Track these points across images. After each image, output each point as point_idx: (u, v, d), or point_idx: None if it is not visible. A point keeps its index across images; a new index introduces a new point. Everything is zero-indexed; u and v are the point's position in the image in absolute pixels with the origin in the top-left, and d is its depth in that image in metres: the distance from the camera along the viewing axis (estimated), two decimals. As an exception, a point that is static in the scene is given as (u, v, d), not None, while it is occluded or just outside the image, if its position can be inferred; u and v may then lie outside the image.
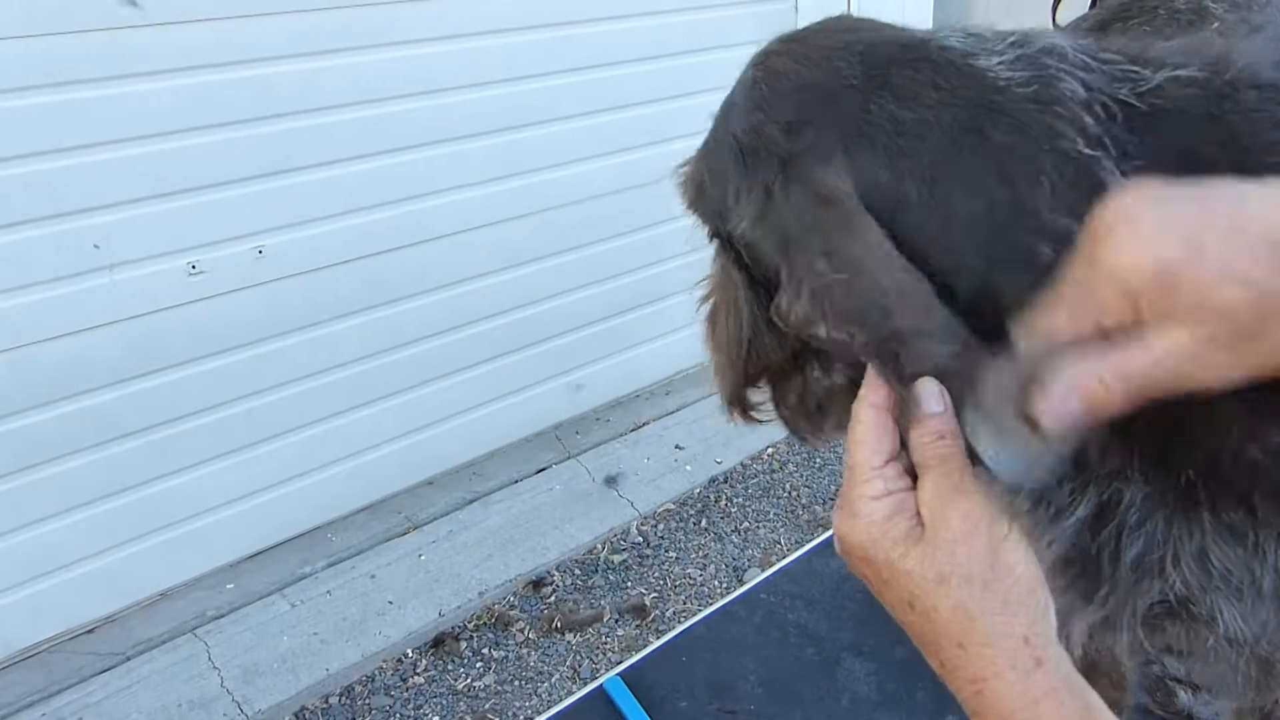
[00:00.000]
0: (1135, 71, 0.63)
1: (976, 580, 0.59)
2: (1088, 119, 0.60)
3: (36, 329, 2.08)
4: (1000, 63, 0.64)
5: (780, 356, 0.79)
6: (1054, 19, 1.27)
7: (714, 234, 0.78)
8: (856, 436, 0.63)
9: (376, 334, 2.61)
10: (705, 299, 0.88)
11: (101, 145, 2.06)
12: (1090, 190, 0.59)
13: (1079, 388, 0.51)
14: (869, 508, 0.61)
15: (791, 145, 0.66)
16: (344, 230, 2.46)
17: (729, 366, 0.83)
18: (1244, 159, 0.59)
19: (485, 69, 2.58)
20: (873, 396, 0.63)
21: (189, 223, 2.21)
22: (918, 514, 0.61)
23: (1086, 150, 0.60)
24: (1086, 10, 1.26)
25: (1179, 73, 0.62)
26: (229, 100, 2.19)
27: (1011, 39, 0.65)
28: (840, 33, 0.70)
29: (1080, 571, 0.74)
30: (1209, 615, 0.71)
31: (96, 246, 2.11)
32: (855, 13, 3.15)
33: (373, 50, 2.37)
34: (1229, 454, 0.63)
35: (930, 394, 0.59)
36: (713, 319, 0.85)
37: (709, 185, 0.75)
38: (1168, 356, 0.49)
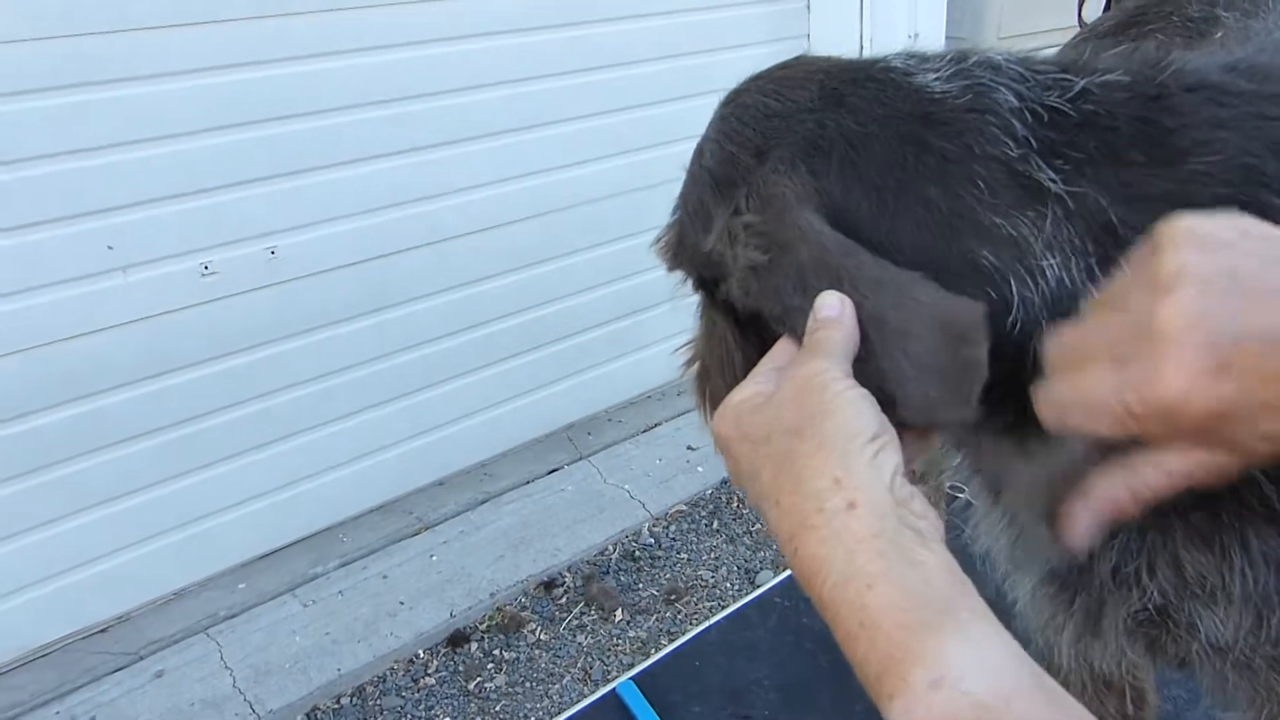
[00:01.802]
0: (1065, 79, 0.65)
1: (795, 431, 0.56)
2: (1017, 124, 0.63)
3: (50, 329, 2.09)
4: (936, 78, 0.67)
5: None
6: (1080, 18, 1.27)
7: (699, 283, 0.80)
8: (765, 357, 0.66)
9: (388, 334, 2.61)
10: (690, 363, 0.87)
11: (114, 147, 2.06)
12: (1021, 191, 0.61)
13: (1100, 508, 0.54)
14: (735, 397, 0.62)
15: (759, 168, 0.69)
16: (355, 231, 2.46)
17: None
18: (1174, 158, 0.60)
19: (495, 70, 2.57)
20: (781, 345, 0.65)
21: (201, 224, 2.22)
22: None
23: (1016, 152, 0.62)
24: (1102, 13, 1.26)
25: (1107, 78, 0.65)
26: (241, 102, 2.19)
27: (950, 57, 0.69)
28: (802, 65, 0.74)
29: (1061, 584, 0.75)
30: (1189, 622, 0.72)
31: (110, 248, 2.11)
32: (868, 15, 3.14)
33: (383, 51, 2.37)
34: None
35: (828, 301, 0.61)
36: (702, 381, 0.85)
37: (689, 230, 0.76)
38: (1180, 476, 0.52)
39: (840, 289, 0.61)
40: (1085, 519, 0.55)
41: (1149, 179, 0.61)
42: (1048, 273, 0.60)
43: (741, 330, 0.76)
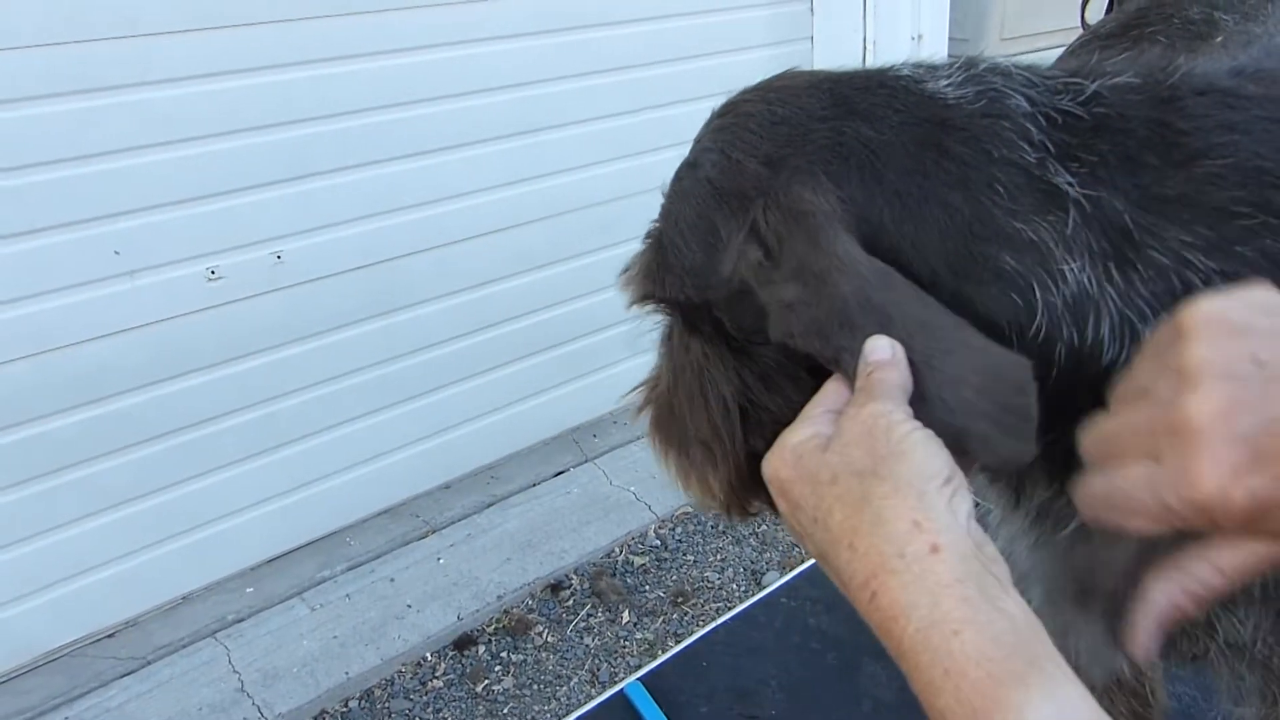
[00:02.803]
0: (1075, 83, 0.65)
1: (868, 473, 0.54)
2: (1032, 128, 0.63)
3: (59, 334, 2.10)
4: (948, 84, 0.67)
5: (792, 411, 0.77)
6: (1083, 20, 1.27)
7: (681, 309, 0.76)
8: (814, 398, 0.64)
9: (394, 338, 2.62)
10: (649, 400, 0.83)
11: (121, 152, 2.07)
12: (1040, 196, 0.60)
13: (1162, 614, 0.53)
14: (791, 439, 0.61)
15: (774, 177, 0.66)
16: (362, 235, 2.47)
17: (720, 459, 0.77)
18: (1187, 160, 0.60)
19: (502, 73, 2.58)
20: (832, 387, 0.64)
21: (208, 228, 2.23)
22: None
23: (1033, 157, 0.62)
24: (1104, 15, 1.26)
25: (1118, 81, 0.65)
26: (247, 106, 2.20)
27: (959, 64, 0.69)
28: (800, 76, 0.73)
29: (1079, 586, 0.74)
30: (1207, 623, 0.71)
31: (117, 253, 2.12)
32: (871, 16, 3.14)
33: (389, 56, 2.38)
34: None
35: (878, 345, 0.59)
36: (664, 424, 0.81)
37: (680, 251, 0.72)
38: (1233, 572, 0.51)
39: (889, 330, 0.59)
40: (1148, 628, 0.54)
41: (1163, 181, 0.61)
42: (1068, 276, 0.60)
43: (736, 358, 0.73)
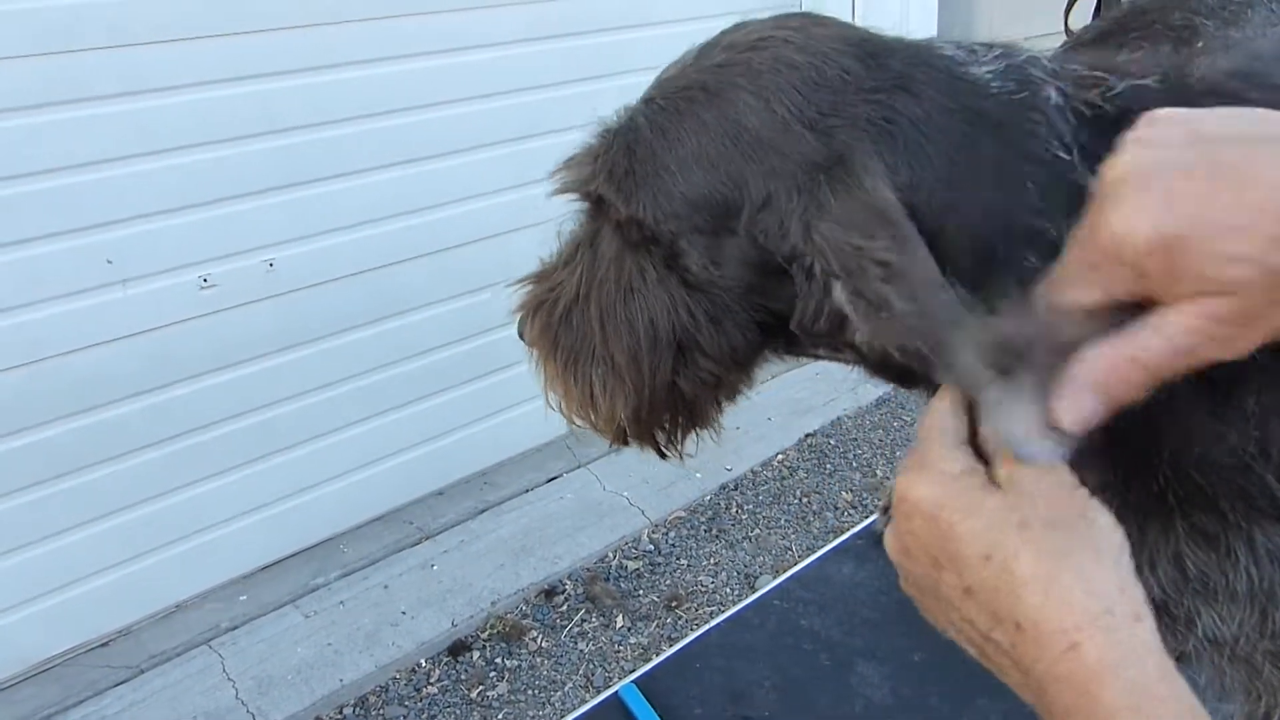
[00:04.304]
0: (1102, 78, 0.64)
1: (1062, 526, 0.52)
2: (1062, 125, 0.62)
3: (52, 343, 2.10)
4: (989, 72, 0.65)
5: (733, 356, 0.72)
6: (1066, 25, 1.28)
7: (630, 220, 0.70)
8: (933, 422, 0.60)
9: (388, 345, 2.62)
10: (539, 303, 0.77)
11: (113, 161, 2.07)
12: (1065, 195, 0.60)
13: (1095, 385, 0.51)
14: (944, 464, 0.56)
15: (829, 153, 0.63)
16: (354, 242, 2.47)
17: (633, 387, 0.74)
18: None
19: (493, 80, 2.59)
20: (949, 409, 0.60)
21: (200, 236, 2.23)
22: (991, 482, 0.56)
23: (1064, 155, 0.61)
24: (1090, 20, 1.27)
25: (1140, 82, 0.64)
26: (239, 114, 2.20)
27: (997, 52, 0.67)
28: (832, 28, 0.70)
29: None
30: (1187, 618, 0.72)
31: (109, 261, 2.12)
32: (860, 18, 3.16)
33: (381, 63, 2.39)
34: (1193, 458, 0.64)
35: None
36: (565, 326, 0.76)
37: (673, 175, 0.67)
38: (1179, 338, 0.49)
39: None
40: (1083, 391, 0.51)
41: None
42: None
43: (688, 291, 0.69)
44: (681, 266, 0.69)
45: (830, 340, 0.68)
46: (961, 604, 0.55)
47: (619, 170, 0.70)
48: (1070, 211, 0.57)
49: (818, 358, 0.77)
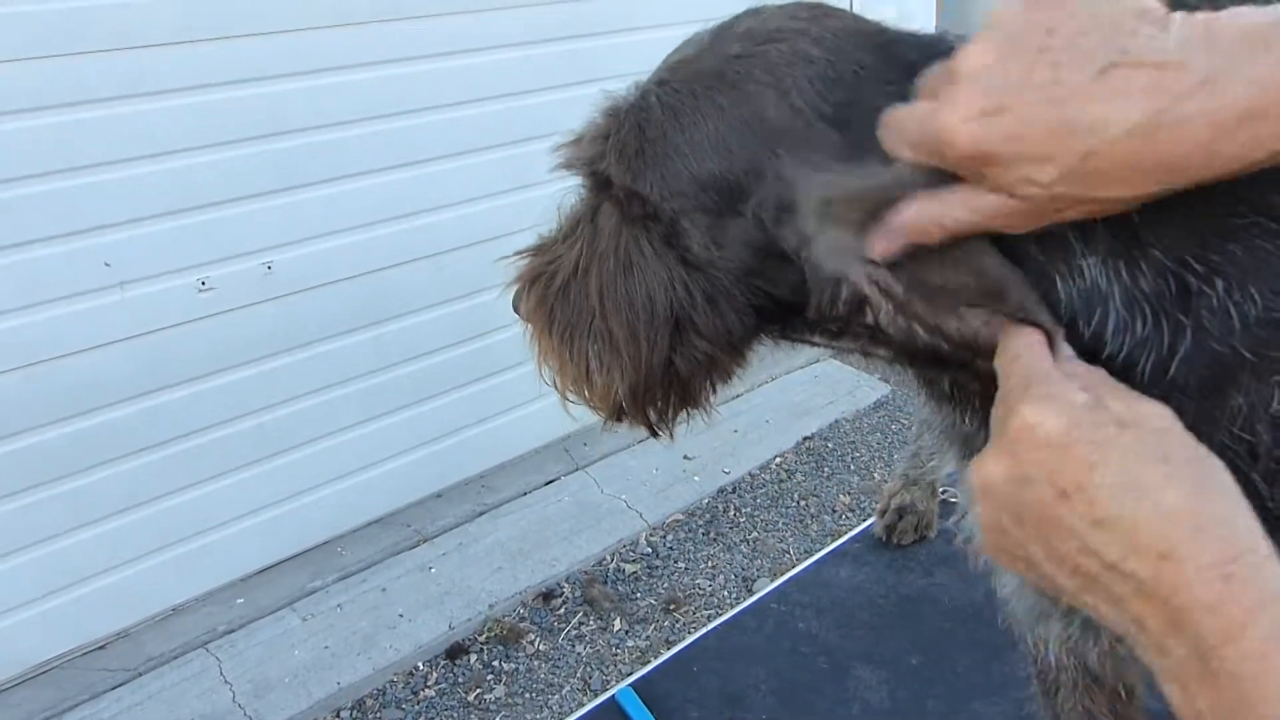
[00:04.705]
0: None
1: (1199, 463, 0.54)
2: None
3: (49, 346, 2.10)
4: None
5: (727, 338, 0.72)
6: None
7: (634, 196, 0.70)
8: (1030, 361, 0.59)
9: (385, 348, 2.63)
10: (538, 275, 0.77)
11: (112, 164, 2.07)
12: None
13: (908, 228, 0.58)
14: (1070, 395, 0.56)
15: (845, 139, 0.64)
16: (352, 245, 2.48)
17: (630, 363, 0.73)
18: None
19: (491, 83, 2.59)
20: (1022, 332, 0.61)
21: (198, 239, 2.23)
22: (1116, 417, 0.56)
23: None
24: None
25: None
26: (238, 117, 2.21)
27: None
28: (848, 20, 0.70)
29: None
30: None
31: (107, 264, 2.12)
32: (859, 9, 3.16)
33: (380, 66, 2.39)
34: None
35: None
36: (563, 300, 0.75)
37: (686, 158, 0.68)
38: (977, 215, 0.56)
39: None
40: (893, 232, 0.58)
41: None
42: (1085, 273, 0.60)
43: (687, 269, 0.70)
44: (682, 245, 0.70)
45: (847, 324, 0.68)
46: (1088, 534, 0.55)
47: (630, 149, 0.71)
48: None
49: (812, 344, 0.77)
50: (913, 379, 0.76)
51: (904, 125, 0.58)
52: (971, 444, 0.78)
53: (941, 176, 0.57)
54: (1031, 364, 0.59)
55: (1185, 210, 0.58)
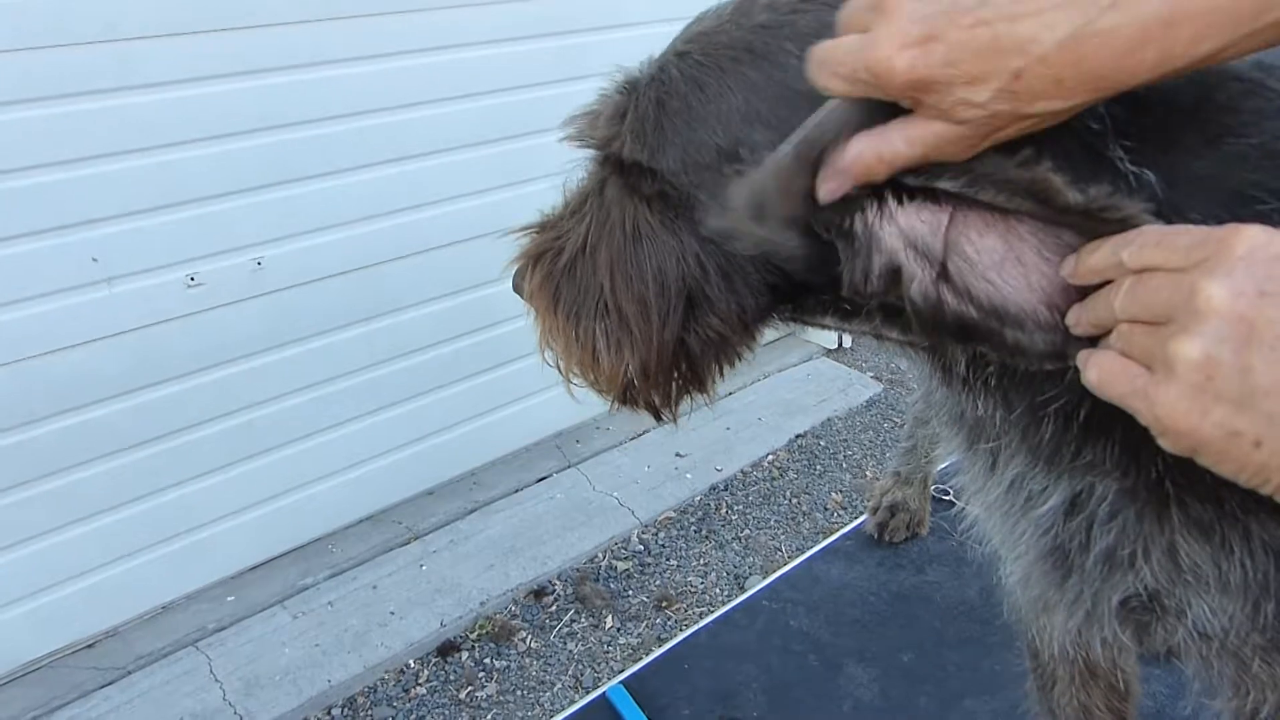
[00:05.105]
0: None
1: None
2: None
3: (36, 342, 2.09)
4: None
5: (740, 316, 0.71)
6: None
7: (646, 171, 0.69)
8: (1159, 237, 0.54)
9: (376, 344, 2.62)
10: (542, 251, 0.74)
11: (100, 157, 2.06)
12: (1095, 168, 0.60)
13: (854, 168, 0.59)
14: (1257, 237, 0.50)
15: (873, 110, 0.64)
16: (343, 241, 2.46)
17: (640, 339, 0.72)
18: (1216, 140, 0.61)
19: (483, 79, 2.59)
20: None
21: (187, 234, 2.22)
22: None
23: (1096, 127, 0.61)
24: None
25: None
26: (227, 111, 2.19)
27: None
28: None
29: (1054, 562, 0.74)
30: (1178, 608, 0.72)
31: (95, 259, 2.11)
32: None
33: (371, 61, 2.38)
34: None
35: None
36: (569, 278, 0.73)
37: (713, 130, 0.67)
38: (917, 145, 0.57)
39: None
40: (838, 172, 0.59)
41: (1194, 160, 0.61)
42: None
43: (700, 244, 0.68)
44: (697, 219, 0.69)
45: (882, 298, 0.64)
46: None
47: (648, 124, 0.70)
48: (1096, 183, 0.56)
49: (824, 326, 0.76)
50: (925, 360, 0.74)
51: (835, 59, 0.58)
52: (979, 432, 0.77)
53: (872, 107, 0.58)
54: (1185, 229, 0.54)
55: (1210, 193, 0.58)
